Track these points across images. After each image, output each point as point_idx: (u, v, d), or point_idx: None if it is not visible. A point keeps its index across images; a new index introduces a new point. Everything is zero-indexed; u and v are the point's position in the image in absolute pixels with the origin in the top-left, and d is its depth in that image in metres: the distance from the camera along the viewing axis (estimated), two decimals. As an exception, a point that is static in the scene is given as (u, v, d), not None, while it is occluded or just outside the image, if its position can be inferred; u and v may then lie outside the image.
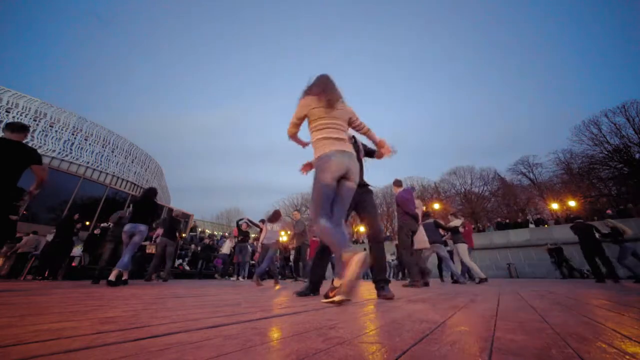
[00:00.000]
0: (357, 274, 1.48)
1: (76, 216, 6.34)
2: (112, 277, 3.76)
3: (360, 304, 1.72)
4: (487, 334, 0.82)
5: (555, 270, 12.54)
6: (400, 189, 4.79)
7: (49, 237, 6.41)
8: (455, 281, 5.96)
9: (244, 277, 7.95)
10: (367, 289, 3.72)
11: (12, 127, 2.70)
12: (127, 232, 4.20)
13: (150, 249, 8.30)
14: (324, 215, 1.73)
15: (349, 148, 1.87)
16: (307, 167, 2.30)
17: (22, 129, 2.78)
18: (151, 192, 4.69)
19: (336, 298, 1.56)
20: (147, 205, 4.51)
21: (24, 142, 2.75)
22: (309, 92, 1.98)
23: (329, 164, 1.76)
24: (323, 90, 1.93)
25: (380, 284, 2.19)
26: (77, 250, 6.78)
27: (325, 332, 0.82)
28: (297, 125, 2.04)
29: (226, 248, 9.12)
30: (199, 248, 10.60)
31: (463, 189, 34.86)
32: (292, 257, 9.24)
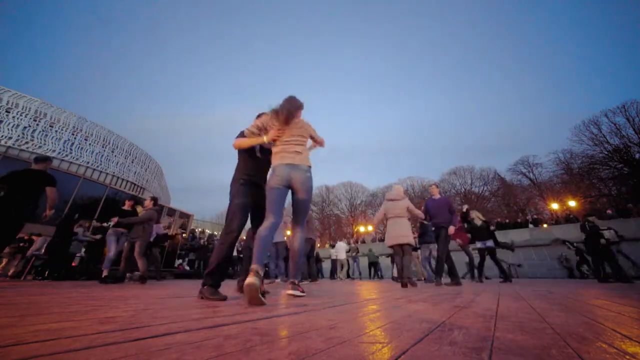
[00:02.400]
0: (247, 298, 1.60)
1: (76, 216, 6.35)
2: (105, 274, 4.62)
3: (361, 304, 1.72)
4: (487, 334, 0.82)
5: (561, 270, 12.58)
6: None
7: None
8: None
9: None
10: (367, 289, 3.72)
11: (36, 160, 3.72)
12: (114, 234, 5.00)
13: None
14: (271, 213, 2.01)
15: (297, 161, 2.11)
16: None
17: (44, 160, 3.75)
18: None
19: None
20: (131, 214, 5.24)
21: (46, 169, 3.71)
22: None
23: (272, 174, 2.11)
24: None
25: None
26: (80, 250, 6.78)
27: (325, 332, 0.82)
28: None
29: None
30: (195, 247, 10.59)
31: (463, 189, 34.92)
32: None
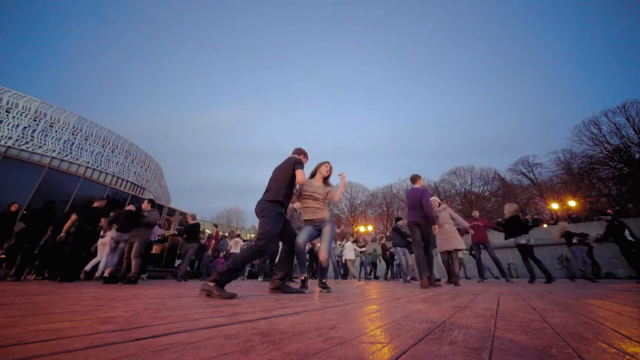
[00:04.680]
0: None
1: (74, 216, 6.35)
2: (106, 274, 4.71)
3: (361, 304, 1.72)
4: (487, 334, 0.82)
5: (561, 270, 12.65)
6: (421, 186, 4.31)
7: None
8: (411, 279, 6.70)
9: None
10: (367, 289, 3.72)
11: (94, 199, 5.38)
12: (115, 239, 5.14)
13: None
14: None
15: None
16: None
17: (101, 199, 5.41)
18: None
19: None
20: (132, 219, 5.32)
21: (102, 205, 5.38)
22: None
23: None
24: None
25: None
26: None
27: (325, 332, 0.82)
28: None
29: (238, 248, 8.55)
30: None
31: (463, 189, 34.87)
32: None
